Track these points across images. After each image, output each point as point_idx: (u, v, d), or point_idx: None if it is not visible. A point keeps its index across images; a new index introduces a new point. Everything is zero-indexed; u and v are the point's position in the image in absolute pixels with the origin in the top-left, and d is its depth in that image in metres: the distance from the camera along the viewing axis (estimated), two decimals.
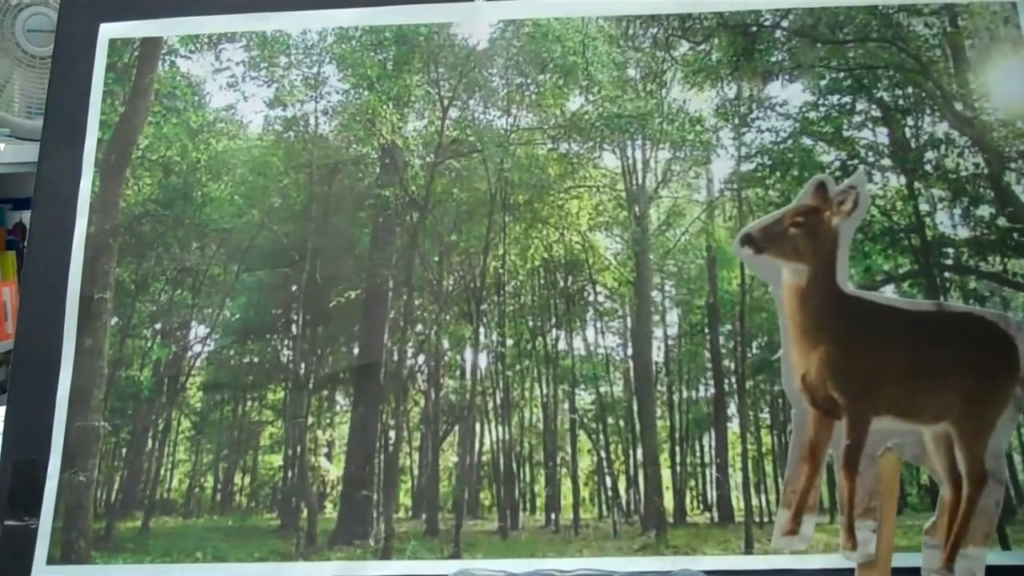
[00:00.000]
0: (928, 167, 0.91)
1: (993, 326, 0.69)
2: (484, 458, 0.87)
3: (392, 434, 0.88)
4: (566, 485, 0.86)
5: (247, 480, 0.88)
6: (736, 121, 0.94)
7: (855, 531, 0.68)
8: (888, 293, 0.88)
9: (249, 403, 0.90)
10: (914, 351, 0.69)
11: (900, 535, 0.75)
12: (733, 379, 0.87)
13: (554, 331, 0.90)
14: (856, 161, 0.92)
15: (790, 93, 0.94)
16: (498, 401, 0.89)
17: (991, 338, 0.69)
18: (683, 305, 0.90)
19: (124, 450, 0.89)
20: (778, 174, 0.92)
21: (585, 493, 0.86)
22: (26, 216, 2.37)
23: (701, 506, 0.84)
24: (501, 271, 0.92)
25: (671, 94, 0.95)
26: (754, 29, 0.96)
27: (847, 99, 0.93)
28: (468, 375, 0.89)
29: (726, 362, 0.88)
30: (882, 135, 0.92)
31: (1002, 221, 0.89)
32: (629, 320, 0.91)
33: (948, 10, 0.94)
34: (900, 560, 0.70)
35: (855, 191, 0.68)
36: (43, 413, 0.89)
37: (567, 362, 0.89)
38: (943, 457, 0.69)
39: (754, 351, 0.88)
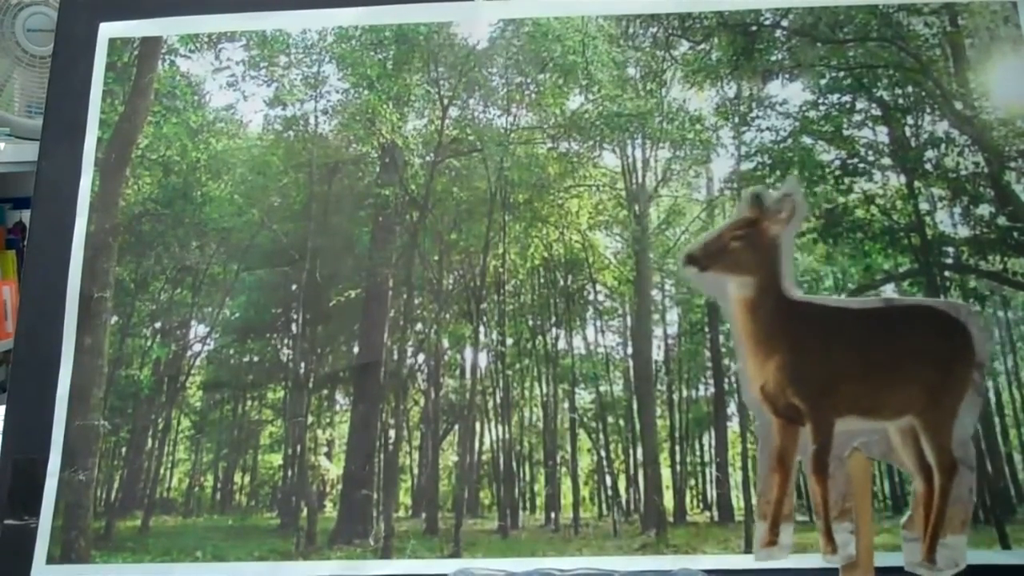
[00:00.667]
0: (928, 166, 0.91)
1: (944, 315, 0.69)
2: (484, 457, 0.87)
3: (392, 433, 0.88)
4: (566, 484, 0.86)
5: (247, 479, 0.88)
6: (736, 120, 0.94)
7: (833, 534, 0.69)
8: (888, 292, 0.88)
9: (249, 402, 0.90)
10: (868, 349, 0.69)
11: (896, 534, 0.75)
12: (733, 378, 0.87)
13: (554, 330, 0.90)
14: (856, 160, 0.92)
15: (790, 92, 0.94)
16: (498, 400, 0.89)
17: (943, 327, 0.69)
18: (683, 304, 0.90)
19: (124, 449, 0.89)
20: (778, 173, 0.92)
21: (585, 492, 0.86)
22: (26, 215, 2.37)
23: (701, 505, 0.84)
24: (501, 270, 0.92)
25: (671, 93, 0.95)
26: (754, 28, 0.96)
27: (847, 98, 0.93)
28: (468, 374, 0.89)
29: (726, 361, 0.88)
30: (882, 134, 0.92)
31: (1002, 220, 0.89)
32: (629, 319, 0.91)
33: (948, 9, 0.94)
34: (889, 559, 0.71)
35: (790, 199, 0.69)
36: (43, 412, 0.89)
37: (567, 361, 0.89)
38: (911, 450, 0.69)
39: None
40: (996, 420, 0.84)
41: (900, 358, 0.69)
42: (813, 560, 0.73)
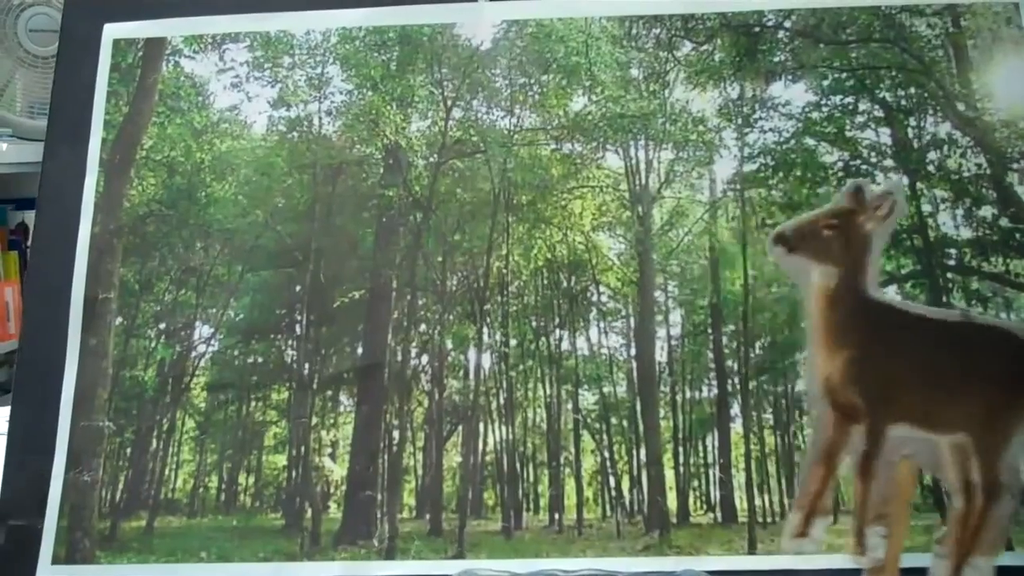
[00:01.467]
0: (930, 168, 0.91)
1: (1018, 340, 0.68)
2: (488, 458, 0.87)
3: (396, 434, 0.88)
4: (570, 485, 0.86)
5: (251, 480, 0.88)
6: (739, 121, 0.94)
7: (865, 536, 0.68)
8: (890, 294, 0.88)
9: (253, 403, 0.91)
10: (937, 360, 0.68)
11: (917, 539, 0.75)
12: (736, 379, 0.87)
13: (557, 331, 0.91)
14: (859, 161, 0.92)
15: (793, 93, 0.94)
16: (501, 401, 0.89)
17: (1016, 352, 0.68)
18: (686, 305, 0.90)
19: (129, 450, 0.89)
20: (781, 174, 0.92)
21: (589, 493, 0.86)
22: (29, 216, 2.37)
23: (704, 506, 0.85)
24: (504, 271, 0.92)
25: (674, 94, 0.95)
26: (757, 29, 0.96)
27: (850, 99, 0.94)
28: (472, 375, 0.89)
29: (729, 362, 0.88)
30: (884, 135, 0.93)
31: (1004, 222, 0.89)
32: (632, 320, 0.91)
33: (950, 11, 0.94)
34: (912, 560, 0.70)
35: (892, 197, 0.69)
36: (47, 413, 0.89)
37: (570, 362, 0.90)
38: (957, 468, 0.68)
39: (757, 351, 0.88)
40: None
41: (966, 375, 0.68)
42: (830, 560, 0.73)
